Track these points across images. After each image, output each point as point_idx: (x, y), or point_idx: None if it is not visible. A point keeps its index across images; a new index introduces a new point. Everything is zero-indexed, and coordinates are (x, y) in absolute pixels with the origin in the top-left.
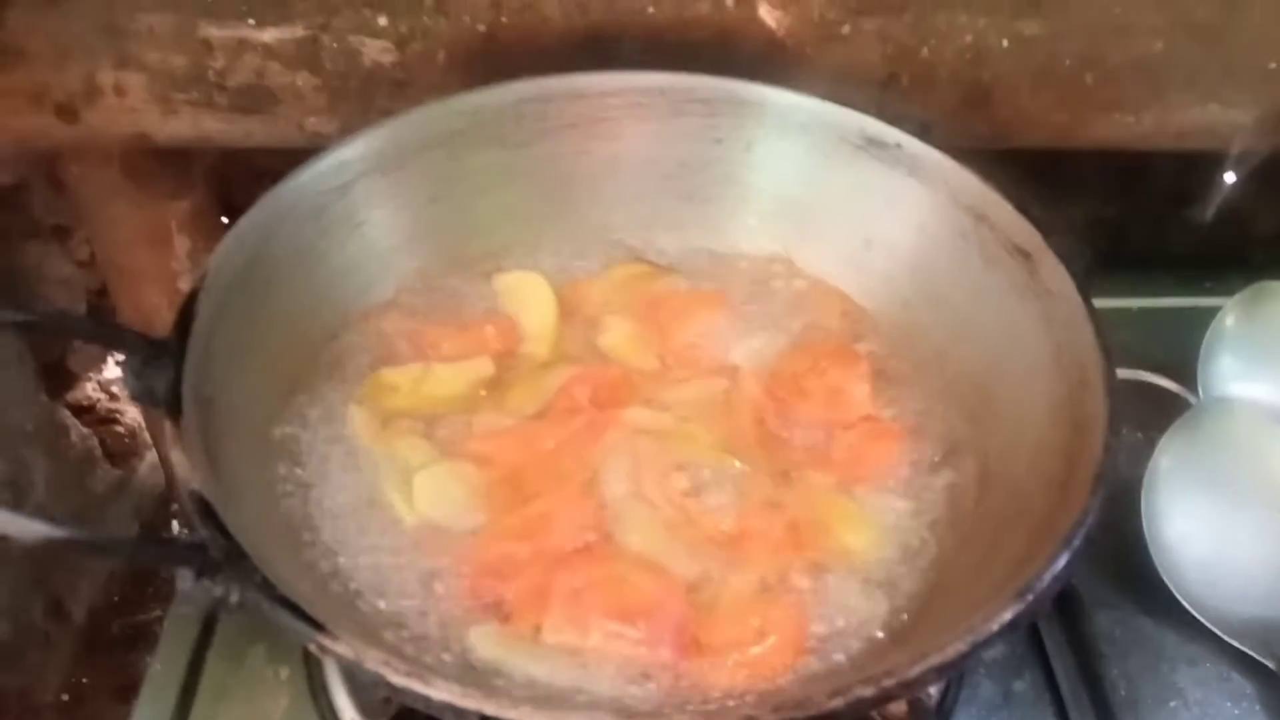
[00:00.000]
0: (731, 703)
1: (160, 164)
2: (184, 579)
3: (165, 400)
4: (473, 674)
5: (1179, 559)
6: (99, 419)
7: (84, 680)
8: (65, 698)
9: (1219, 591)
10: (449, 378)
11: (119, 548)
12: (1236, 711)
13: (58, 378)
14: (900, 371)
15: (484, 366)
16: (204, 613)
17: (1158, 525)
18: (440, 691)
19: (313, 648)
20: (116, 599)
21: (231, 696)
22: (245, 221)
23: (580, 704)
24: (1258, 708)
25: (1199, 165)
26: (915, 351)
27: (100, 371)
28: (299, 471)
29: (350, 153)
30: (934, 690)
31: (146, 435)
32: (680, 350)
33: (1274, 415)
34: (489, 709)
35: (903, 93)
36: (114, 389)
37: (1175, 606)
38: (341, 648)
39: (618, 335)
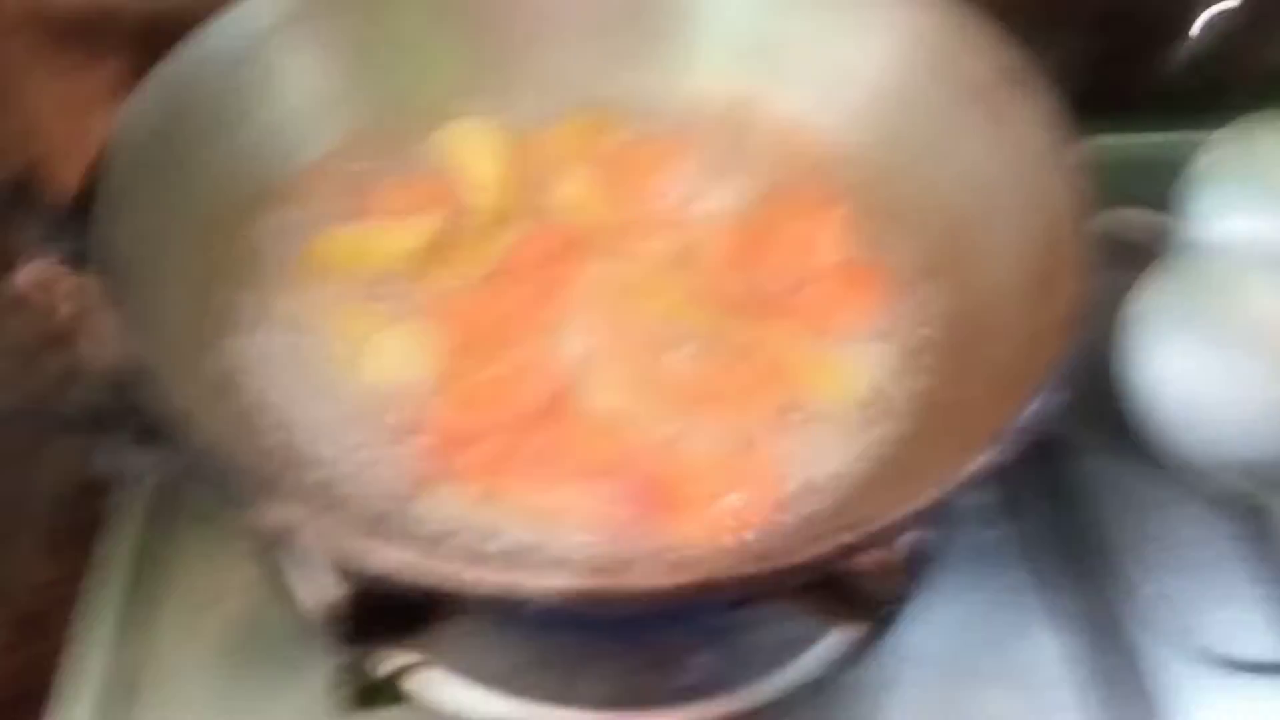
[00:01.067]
0: (714, 553)
1: (78, 31)
2: (104, 453)
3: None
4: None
5: (1156, 401)
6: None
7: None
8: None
9: (1197, 433)
10: (392, 237)
11: (43, 417)
12: (1212, 552)
13: None
14: (873, 215)
15: (428, 223)
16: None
17: (1134, 367)
18: (386, 562)
19: (247, 517)
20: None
21: (191, 571)
22: (161, 71)
23: (548, 564)
24: (1235, 545)
25: None
26: (888, 193)
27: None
28: (239, 340)
29: None
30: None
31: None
32: (639, 203)
33: (1255, 253)
34: (446, 572)
35: None
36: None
37: (1150, 450)
38: (283, 513)
39: (573, 189)
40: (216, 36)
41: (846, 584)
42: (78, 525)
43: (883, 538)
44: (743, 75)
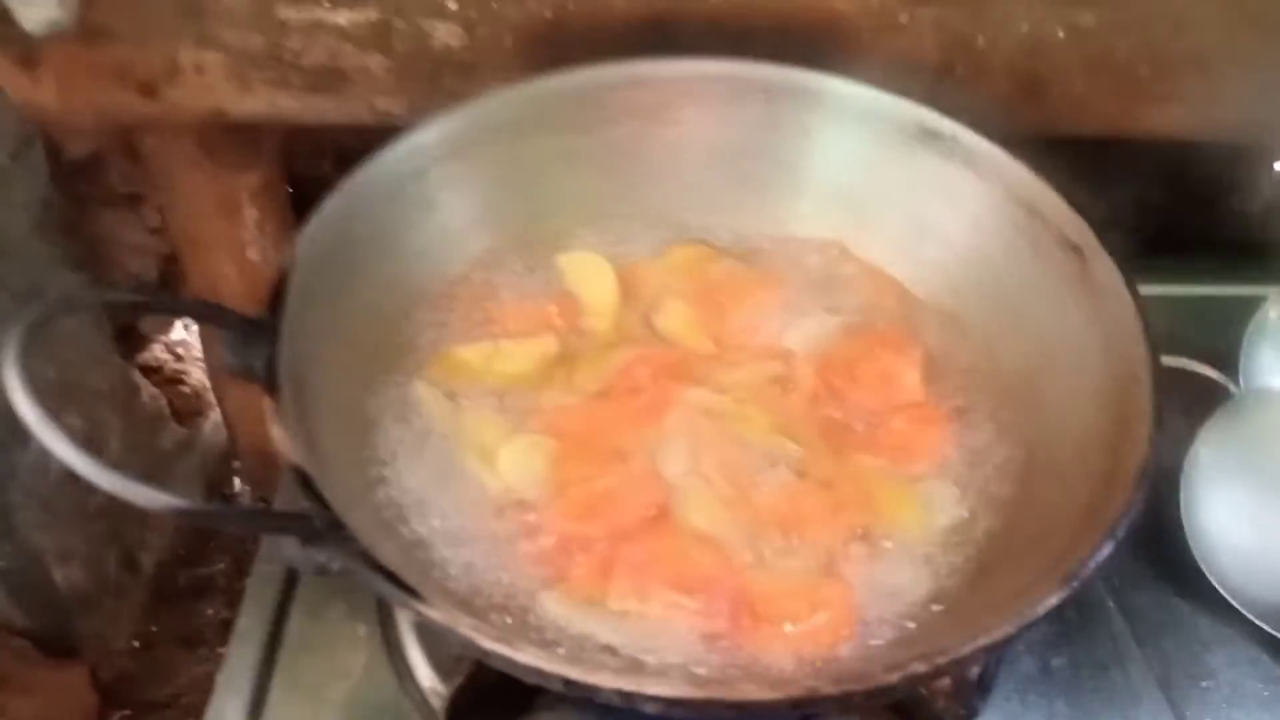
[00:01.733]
0: (795, 674)
1: (232, 137)
2: (290, 546)
3: (264, 377)
4: (543, 637)
5: (1215, 545)
6: (166, 379)
7: (153, 629)
8: (136, 644)
9: (1254, 578)
10: (517, 354)
11: (237, 518)
12: (1266, 693)
13: (130, 340)
14: (951, 359)
15: (549, 344)
16: (286, 572)
17: (1195, 512)
18: (527, 656)
19: (408, 613)
20: (182, 552)
21: (313, 651)
22: (329, 204)
23: (656, 671)
24: None
25: (1248, 153)
26: (966, 340)
27: (168, 334)
28: (381, 446)
29: (425, 137)
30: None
31: (210, 396)
32: (735, 333)
33: None
34: (572, 674)
35: (958, 81)
36: (180, 351)
37: (1209, 591)
38: (436, 614)
39: (675, 317)
40: (376, 172)
41: (916, 703)
42: (177, 591)
43: (954, 667)
44: (832, 222)
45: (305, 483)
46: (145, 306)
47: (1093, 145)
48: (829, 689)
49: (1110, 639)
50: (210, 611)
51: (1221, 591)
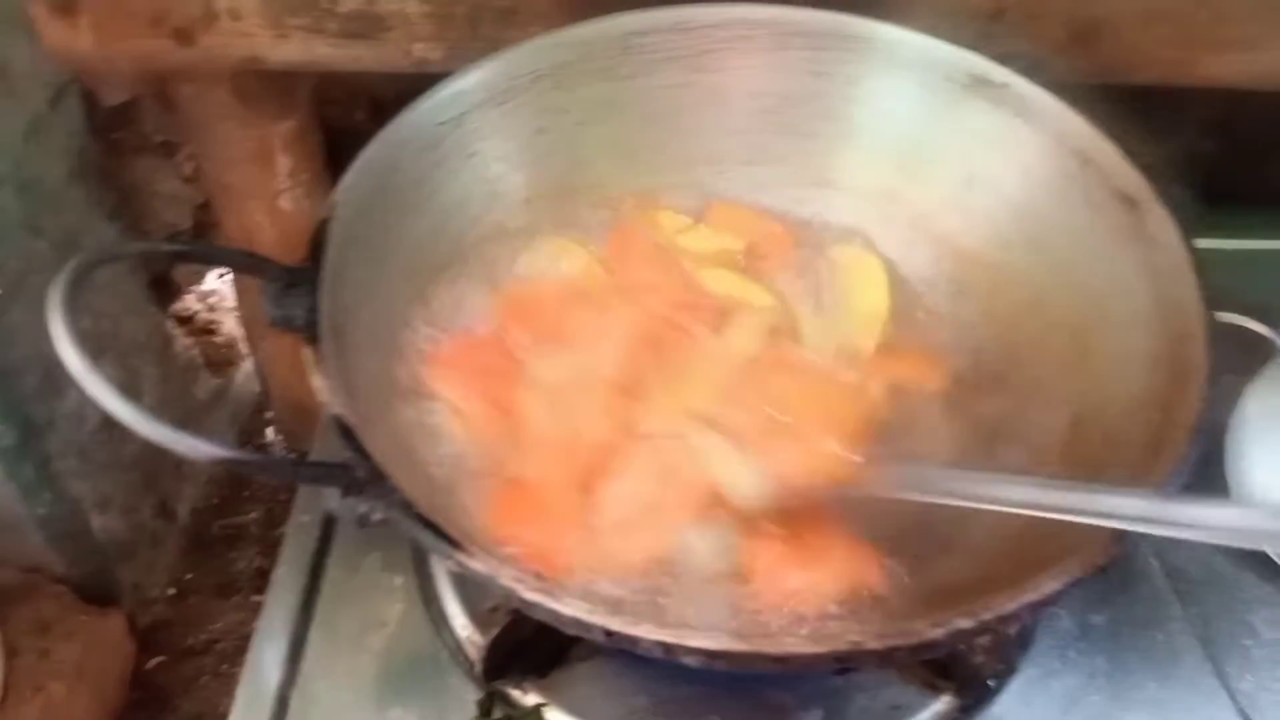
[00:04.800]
0: (839, 629)
1: (267, 85)
2: (331, 497)
3: (305, 327)
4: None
5: (1262, 500)
6: (199, 329)
7: (188, 577)
8: (172, 592)
9: None
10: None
11: (279, 468)
12: None
13: (164, 290)
14: (1001, 315)
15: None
16: (323, 524)
17: (1241, 469)
18: (569, 607)
19: (449, 563)
20: (216, 501)
21: (350, 601)
22: (368, 153)
23: (699, 624)
24: None
25: None
26: (1013, 294)
27: (201, 284)
28: (420, 396)
29: (464, 85)
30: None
31: (242, 346)
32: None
33: None
34: (614, 625)
35: (1010, 27)
36: (212, 301)
37: (1253, 551)
38: (478, 564)
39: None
40: (415, 120)
41: (955, 658)
42: (211, 540)
43: (999, 623)
44: (882, 170)
45: (347, 433)
46: (188, 256)
47: (1143, 94)
48: (873, 643)
49: (1151, 598)
50: (244, 560)
51: (1268, 550)
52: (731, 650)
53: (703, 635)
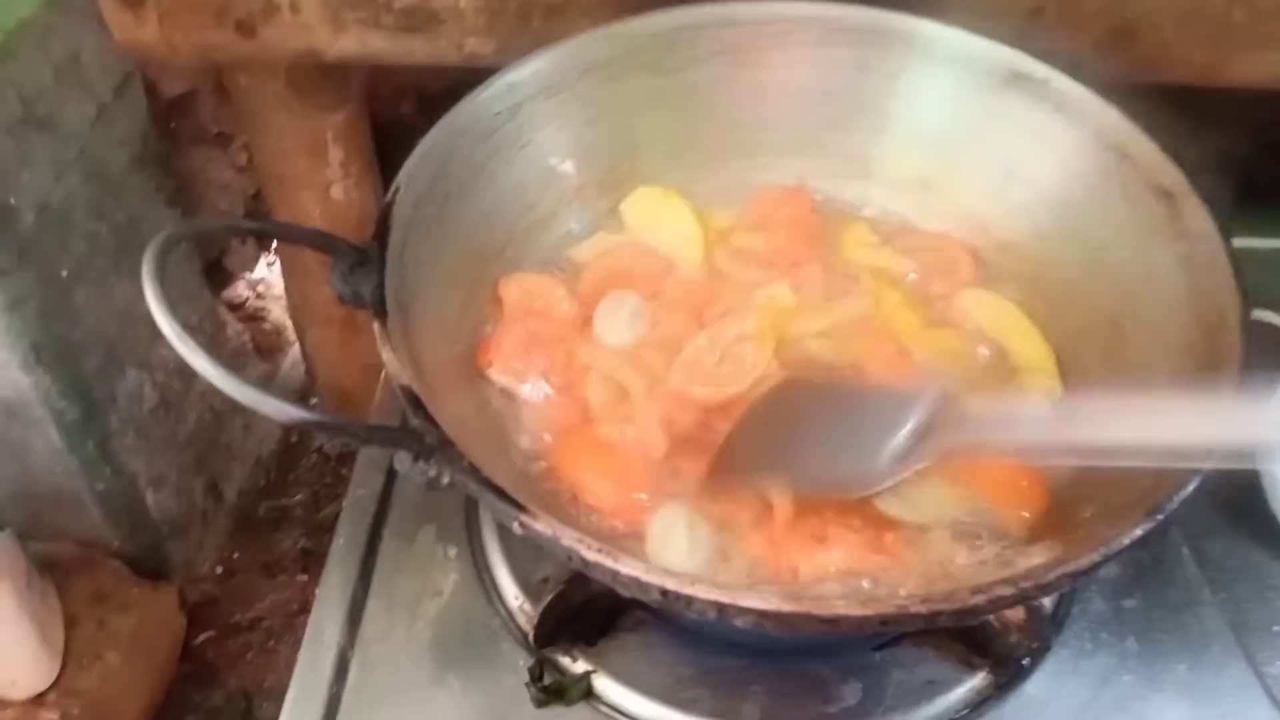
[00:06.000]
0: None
1: (321, 78)
2: (402, 461)
3: (372, 302)
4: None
5: None
6: (249, 316)
7: (235, 556)
8: (219, 570)
9: None
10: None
11: (353, 430)
12: None
13: (217, 276)
14: (1037, 301)
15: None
16: (380, 498)
17: (1274, 461)
18: (627, 567)
19: (514, 526)
20: (263, 483)
21: (406, 570)
22: (428, 141)
23: (751, 586)
24: None
25: None
26: (1050, 286)
27: (252, 271)
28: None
29: (518, 77)
30: (1049, 602)
31: (289, 333)
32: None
33: None
34: (669, 584)
35: (1048, 25)
36: (261, 289)
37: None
38: (540, 526)
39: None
40: (472, 110)
41: (990, 635)
42: (258, 521)
43: (1037, 592)
44: (922, 164)
45: (415, 402)
46: (265, 232)
47: (1181, 95)
48: (918, 607)
49: (1183, 583)
50: (289, 541)
51: None
52: (782, 610)
53: (755, 595)
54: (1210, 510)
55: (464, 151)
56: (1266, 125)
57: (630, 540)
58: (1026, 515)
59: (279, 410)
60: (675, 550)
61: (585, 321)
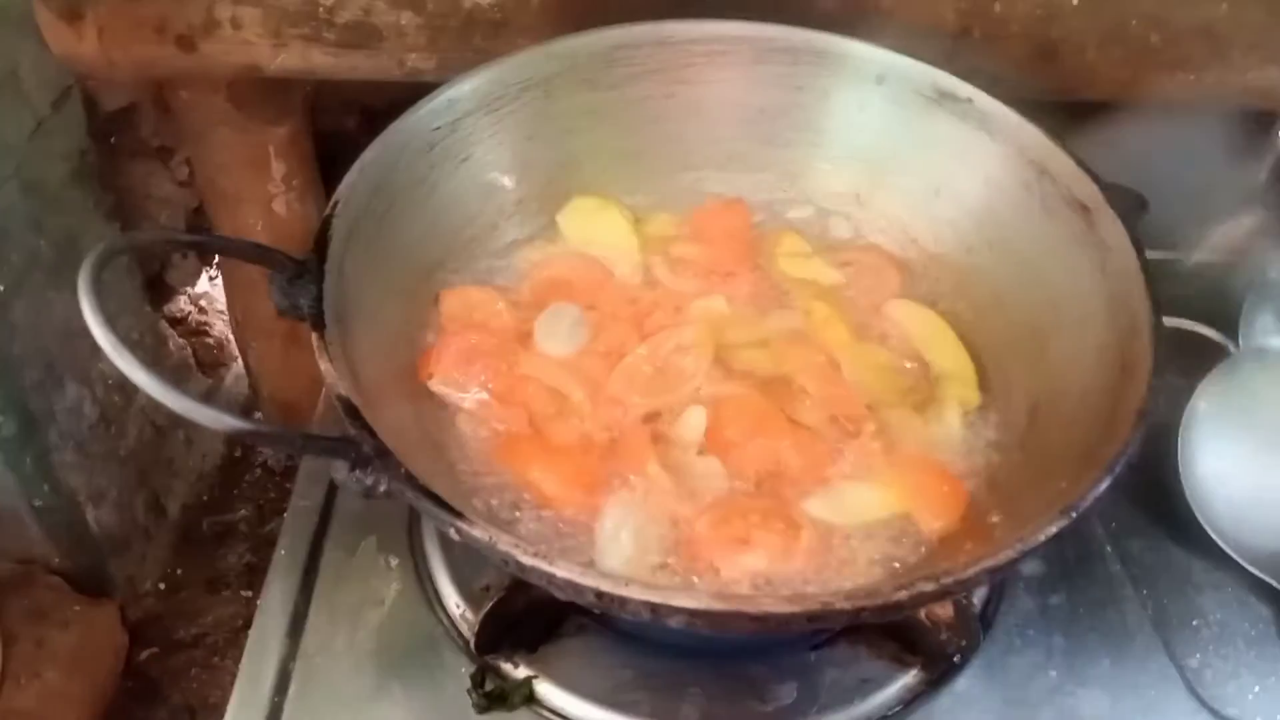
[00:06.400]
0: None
1: (263, 92)
2: (339, 470)
3: (311, 314)
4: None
5: (1210, 494)
6: (191, 330)
7: (179, 572)
8: (163, 586)
9: (1246, 525)
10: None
11: (290, 439)
12: (1253, 633)
13: (157, 291)
14: (962, 310)
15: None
16: (321, 509)
17: (1192, 463)
18: (563, 571)
19: (451, 532)
20: (206, 499)
21: (348, 581)
22: (368, 154)
23: (683, 585)
24: (1273, 630)
25: (1254, 125)
26: (977, 296)
27: (194, 286)
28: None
29: (459, 92)
30: (978, 600)
31: (232, 348)
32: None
33: None
34: (604, 586)
35: (974, 45)
36: (203, 303)
37: (1203, 537)
38: (477, 532)
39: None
40: (412, 124)
41: (921, 633)
42: (201, 537)
43: (959, 588)
44: (854, 179)
45: (352, 411)
46: (203, 246)
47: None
48: (843, 603)
49: (1107, 581)
50: (233, 556)
51: (1215, 538)
52: (713, 609)
53: (687, 595)
54: (1131, 510)
55: (404, 165)
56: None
57: (584, 536)
58: (945, 520)
59: (215, 420)
60: (621, 550)
61: (526, 332)
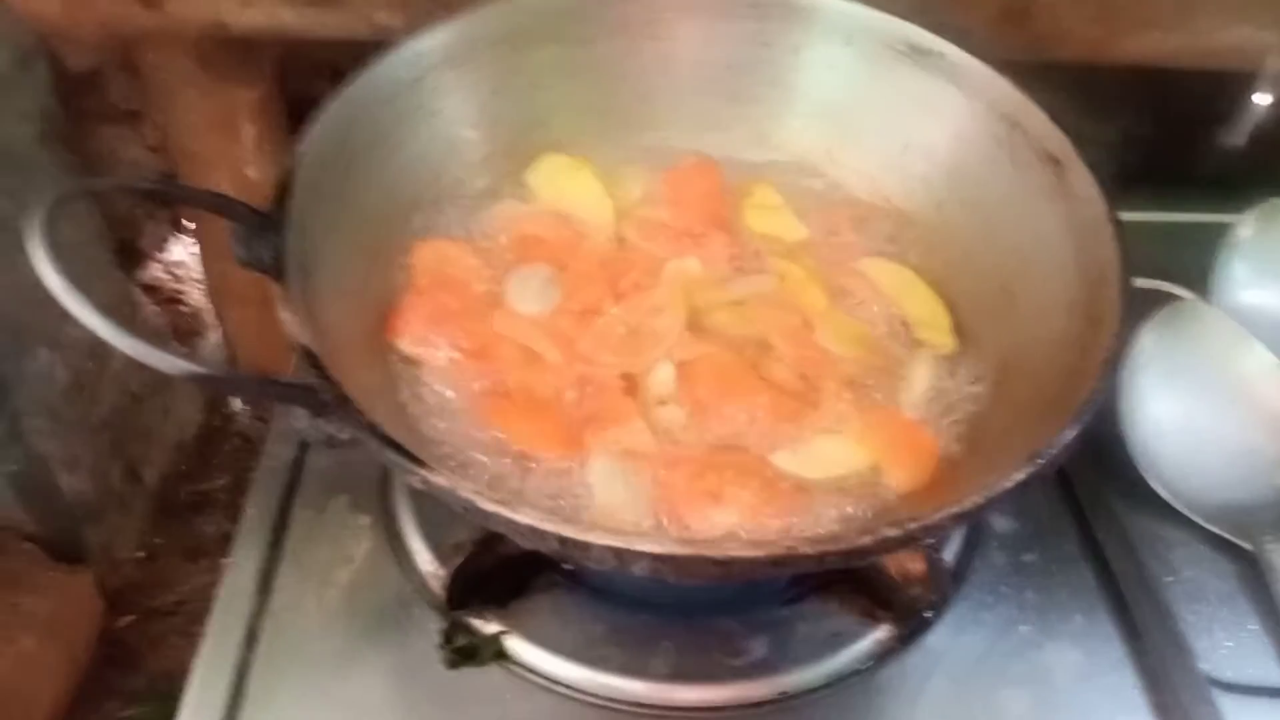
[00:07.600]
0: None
1: (232, 54)
2: (299, 418)
3: (272, 266)
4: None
5: (1153, 446)
6: (166, 299)
7: (157, 541)
8: (141, 555)
9: (1192, 477)
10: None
11: (248, 386)
12: (1225, 588)
13: (129, 257)
14: (934, 265)
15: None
16: (291, 467)
17: (1133, 401)
18: (524, 516)
19: (414, 480)
20: (184, 468)
21: (318, 540)
22: (331, 107)
23: (648, 531)
24: (1240, 585)
25: (1230, 86)
26: (948, 250)
27: (167, 253)
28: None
29: (423, 45)
30: (951, 557)
31: (208, 316)
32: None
33: (1262, 321)
34: (566, 531)
35: (945, 2)
36: (178, 271)
37: (1152, 495)
38: (440, 480)
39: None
40: (375, 78)
41: (892, 588)
42: (179, 506)
43: (924, 533)
44: (823, 135)
45: (311, 359)
46: (160, 195)
47: (1083, 76)
48: (806, 549)
49: (1080, 538)
50: (211, 525)
51: (1158, 489)
52: (677, 554)
53: (650, 541)
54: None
55: (368, 119)
56: (1164, 105)
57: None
58: (916, 474)
59: (167, 362)
60: (615, 497)
61: (497, 291)
